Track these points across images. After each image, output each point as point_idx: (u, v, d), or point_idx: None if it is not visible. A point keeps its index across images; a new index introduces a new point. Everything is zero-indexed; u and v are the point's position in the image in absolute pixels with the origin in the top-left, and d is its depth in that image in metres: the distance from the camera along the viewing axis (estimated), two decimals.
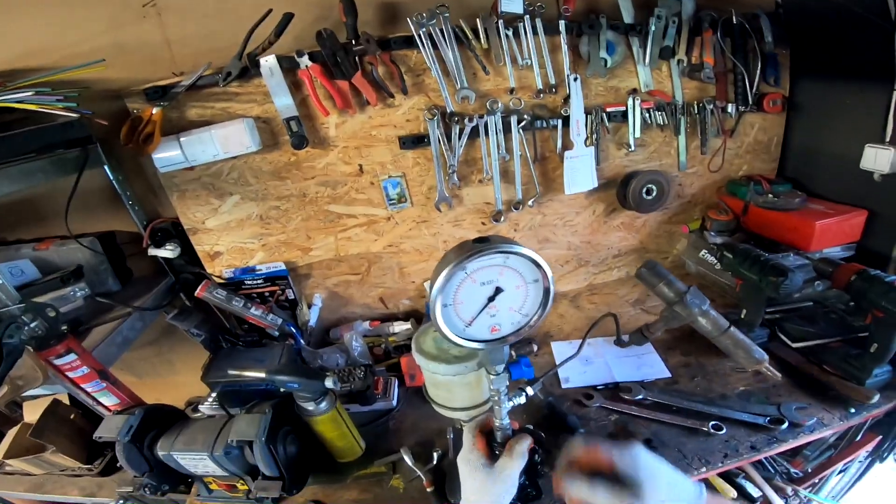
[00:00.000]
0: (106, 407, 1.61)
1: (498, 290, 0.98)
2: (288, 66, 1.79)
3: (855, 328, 1.89)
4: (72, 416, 1.89)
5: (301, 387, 1.49)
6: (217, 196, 2.01)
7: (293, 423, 1.56)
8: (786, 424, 1.64)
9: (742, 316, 2.00)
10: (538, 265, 0.95)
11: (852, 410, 1.70)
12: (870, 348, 1.70)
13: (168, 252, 1.99)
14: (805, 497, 2.42)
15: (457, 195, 2.20)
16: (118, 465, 1.79)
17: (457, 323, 0.99)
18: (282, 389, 1.51)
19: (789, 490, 2.32)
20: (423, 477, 1.56)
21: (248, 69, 1.76)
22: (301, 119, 1.87)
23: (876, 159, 1.94)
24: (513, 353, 2.08)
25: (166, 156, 1.80)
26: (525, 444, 1.08)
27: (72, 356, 1.44)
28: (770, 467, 2.45)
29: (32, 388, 1.40)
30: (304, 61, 1.76)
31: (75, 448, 1.85)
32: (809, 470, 2.43)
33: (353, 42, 1.78)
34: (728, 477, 2.30)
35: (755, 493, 2.25)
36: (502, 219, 2.25)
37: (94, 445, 1.76)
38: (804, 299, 2.15)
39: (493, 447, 1.15)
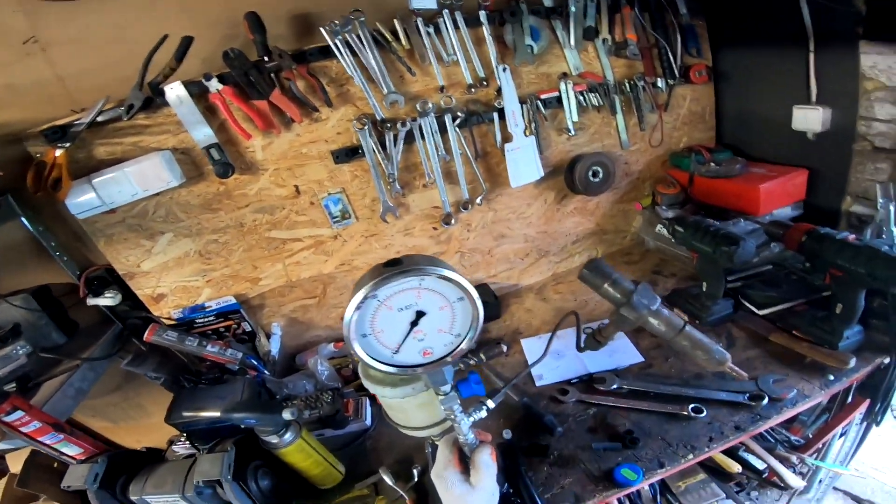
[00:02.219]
0: (71, 456, 1.50)
1: (420, 314, 0.88)
2: (197, 91, 1.63)
3: (818, 288, 1.82)
4: (54, 465, 1.72)
5: (259, 422, 1.43)
6: (147, 237, 1.83)
7: (264, 456, 1.49)
8: (766, 400, 1.55)
9: (704, 288, 1.92)
10: (457, 283, 0.84)
11: (831, 378, 1.62)
12: (835, 309, 1.63)
13: (108, 300, 1.83)
14: (812, 465, 2.35)
15: (402, 203, 2.08)
16: None
17: (381, 351, 0.90)
18: (241, 426, 1.44)
19: (794, 458, 2.24)
20: (405, 496, 1.47)
21: (153, 99, 1.60)
22: (222, 145, 1.72)
23: (806, 120, 1.94)
24: (461, 365, 1.97)
25: (81, 200, 1.62)
26: (484, 453, 1.00)
27: (19, 413, 1.36)
28: (769, 437, 2.36)
29: None
30: (214, 84, 1.62)
31: (66, 494, 1.70)
32: (810, 435, 2.34)
33: (266, 59, 1.65)
34: (729, 451, 2.23)
35: (759, 465, 2.18)
36: (453, 221, 2.13)
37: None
38: (763, 263, 2.07)
39: (467, 462, 1.06)
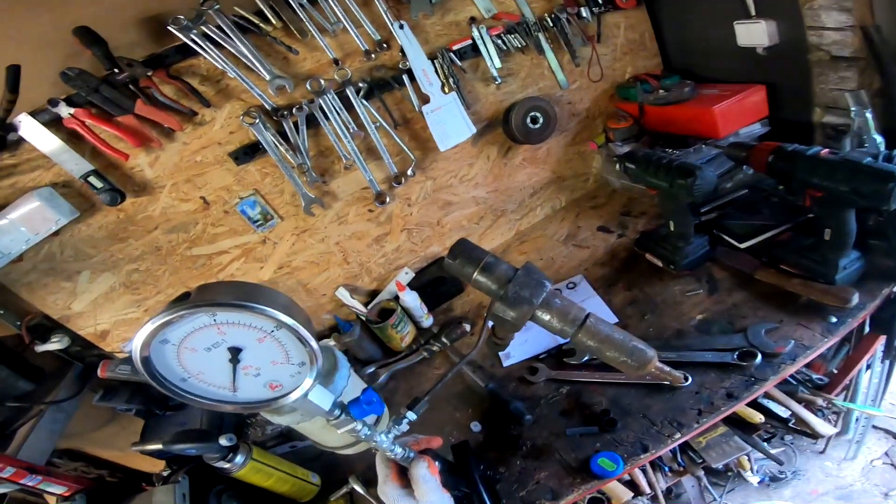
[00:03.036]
0: (57, 495, 1.55)
1: (236, 350, 0.76)
2: (49, 119, 1.49)
3: (802, 209, 1.60)
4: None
5: (199, 451, 1.40)
6: (65, 279, 1.73)
7: (228, 481, 1.48)
8: (759, 358, 1.36)
9: (671, 229, 1.73)
10: (261, 313, 0.72)
11: (833, 320, 1.41)
12: (824, 236, 1.43)
13: (56, 345, 1.76)
14: (843, 406, 2.23)
15: (327, 192, 1.93)
16: None
17: (217, 392, 0.80)
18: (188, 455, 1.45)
19: (820, 401, 2.09)
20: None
21: (4, 136, 1.46)
22: (102, 171, 1.57)
23: (750, 34, 1.79)
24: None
25: None
26: (421, 468, 0.94)
27: None
28: (790, 378, 2.19)
29: None
30: (63, 110, 1.47)
31: None
32: (834, 371, 2.17)
33: (115, 71, 1.48)
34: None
35: (783, 412, 2.03)
36: (388, 199, 1.98)
37: None
38: (738, 188, 1.87)
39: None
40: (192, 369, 0.76)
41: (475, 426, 1.35)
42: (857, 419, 2.37)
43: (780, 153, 1.41)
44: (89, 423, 1.96)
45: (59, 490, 1.53)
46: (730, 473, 2.38)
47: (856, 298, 1.38)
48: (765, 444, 2.27)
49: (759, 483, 2.35)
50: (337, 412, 0.89)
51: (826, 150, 1.35)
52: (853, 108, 1.55)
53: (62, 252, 1.69)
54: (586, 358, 1.57)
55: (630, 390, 1.45)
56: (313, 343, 0.76)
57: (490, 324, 1.14)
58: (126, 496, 1.52)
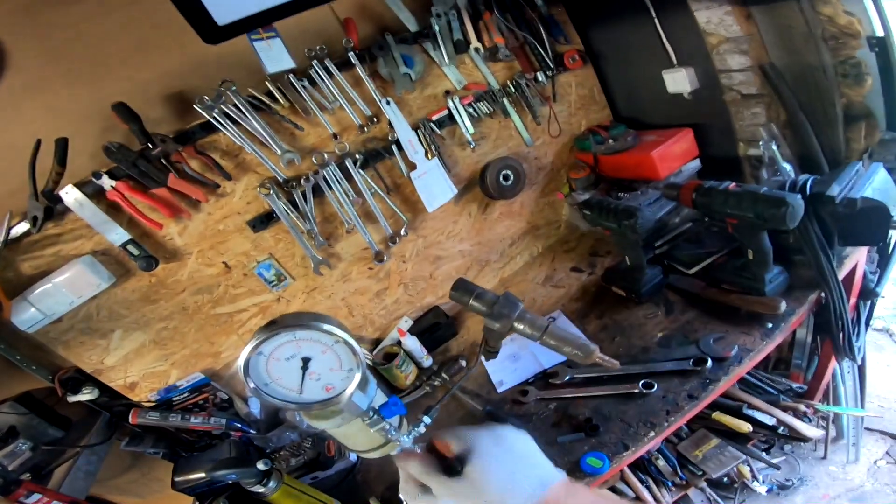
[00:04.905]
0: None
1: (306, 360, 0.93)
2: (93, 191, 1.62)
3: (733, 238, 1.79)
4: None
5: (239, 476, 1.55)
6: (100, 336, 1.82)
7: None
8: (709, 363, 1.55)
9: (628, 262, 1.93)
10: (325, 331, 0.90)
11: (769, 325, 1.61)
12: (748, 255, 1.63)
13: (87, 395, 1.83)
14: (827, 410, 2.34)
15: (332, 253, 2.09)
16: None
17: (287, 394, 0.95)
18: (229, 482, 1.58)
19: (802, 407, 2.22)
20: None
21: (52, 208, 1.57)
22: (138, 240, 1.72)
23: (675, 82, 1.99)
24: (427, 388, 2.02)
25: (24, 317, 1.60)
26: (409, 465, 0.97)
27: (36, 496, 1.46)
28: (770, 389, 2.34)
29: None
30: (106, 182, 1.61)
31: None
32: (811, 378, 2.32)
33: (150, 146, 1.64)
34: (733, 411, 2.21)
35: (768, 420, 2.15)
36: (385, 257, 2.15)
37: None
38: (684, 222, 2.07)
39: None
40: (273, 375, 0.92)
41: None
42: (847, 423, 2.46)
43: (700, 190, 1.62)
44: (109, 471, 1.98)
45: None
46: (735, 485, 2.44)
47: (783, 306, 1.58)
48: (762, 452, 2.38)
49: (767, 492, 2.40)
50: (371, 413, 1.03)
51: (733, 183, 1.56)
52: (762, 141, 1.74)
53: (98, 313, 1.79)
54: (568, 377, 1.73)
55: (608, 400, 1.62)
56: (360, 352, 0.93)
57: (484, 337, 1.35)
58: None
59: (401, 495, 1.02)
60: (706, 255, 1.89)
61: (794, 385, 2.33)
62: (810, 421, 2.25)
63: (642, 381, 1.57)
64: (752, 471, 2.38)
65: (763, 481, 2.41)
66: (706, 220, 1.83)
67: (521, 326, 1.27)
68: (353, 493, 1.74)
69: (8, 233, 1.54)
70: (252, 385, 0.89)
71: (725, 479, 2.36)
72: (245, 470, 1.55)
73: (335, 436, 1.32)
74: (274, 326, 0.87)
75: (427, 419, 1.15)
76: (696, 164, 2.09)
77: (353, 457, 1.87)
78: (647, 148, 2.05)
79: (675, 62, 1.94)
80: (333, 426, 1.20)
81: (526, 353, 1.94)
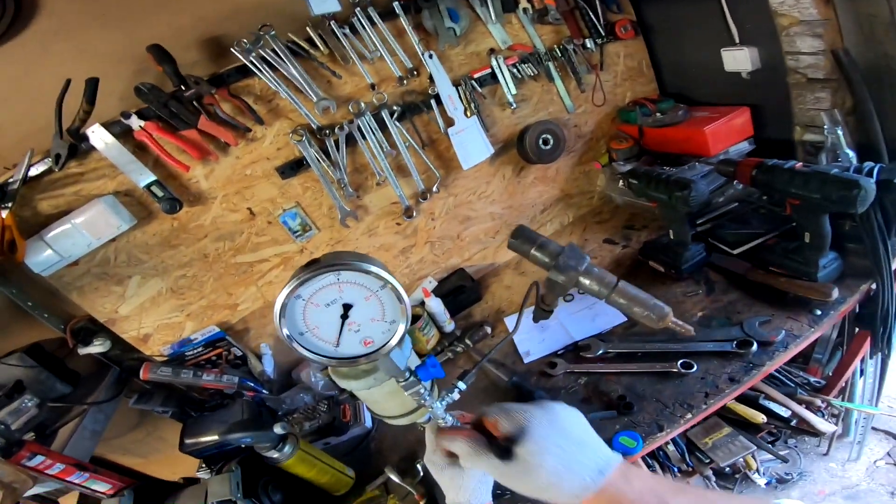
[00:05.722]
0: (102, 493, 1.54)
1: (347, 307, 0.84)
2: (120, 131, 1.56)
3: (785, 219, 1.73)
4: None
5: (254, 439, 1.46)
6: (116, 283, 1.77)
7: (273, 472, 1.51)
8: (755, 346, 1.48)
9: (671, 237, 1.87)
10: (372, 273, 0.82)
11: (818, 312, 1.54)
12: (804, 238, 1.56)
13: (98, 348, 1.79)
14: (841, 406, 2.29)
15: (360, 205, 2.02)
16: None
17: (323, 346, 0.87)
18: (242, 445, 1.50)
19: (818, 401, 2.18)
20: (413, 491, 1.46)
21: (77, 146, 1.53)
22: (163, 181, 1.65)
23: (735, 60, 1.91)
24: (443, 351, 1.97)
25: (39, 259, 1.56)
26: (455, 442, 0.92)
27: (40, 457, 1.39)
28: (789, 381, 2.31)
29: (28, 489, 1.38)
30: (135, 122, 1.55)
31: None
32: (830, 374, 2.27)
33: (183, 88, 1.58)
34: (750, 401, 2.18)
35: (784, 412, 2.13)
36: (414, 213, 2.09)
37: None
38: (729, 202, 2.01)
39: None
40: (310, 323, 0.84)
41: None
42: (856, 421, 2.44)
43: (762, 167, 1.54)
44: (113, 429, 1.94)
45: (104, 488, 1.53)
46: (737, 476, 2.42)
47: (835, 293, 1.51)
48: (769, 445, 2.37)
49: (766, 485, 2.40)
50: (407, 374, 0.97)
51: (800, 163, 1.48)
52: (826, 126, 1.67)
53: (116, 257, 1.74)
54: (601, 351, 1.66)
55: (643, 378, 1.55)
56: (407, 301, 0.85)
57: (538, 293, 1.26)
58: (171, 493, 1.53)
59: (426, 464, 0.98)
60: (753, 236, 1.82)
61: (812, 379, 2.31)
62: (823, 416, 2.23)
63: (681, 361, 1.51)
64: (756, 462, 2.37)
65: (763, 473, 2.41)
66: (763, 199, 1.75)
67: (587, 281, 1.18)
68: (366, 462, 1.69)
69: (28, 171, 1.49)
70: (286, 333, 0.81)
71: (728, 468, 2.34)
72: (261, 433, 1.47)
73: (363, 398, 1.25)
74: (316, 265, 0.79)
75: (462, 385, 1.06)
76: (746, 145, 2.02)
77: (368, 423, 1.81)
78: (700, 123, 1.98)
79: (737, 41, 1.87)
80: (364, 387, 1.11)
81: (554, 324, 1.88)
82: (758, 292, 1.69)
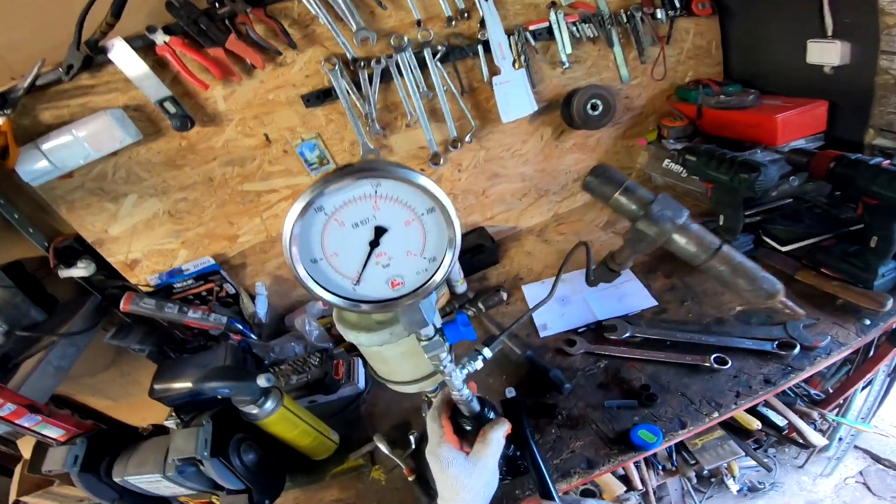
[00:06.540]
0: (53, 438, 1.40)
1: (380, 231, 0.69)
2: (142, 45, 1.45)
3: (845, 222, 1.64)
4: None
5: (233, 391, 1.29)
6: (111, 200, 1.67)
7: (249, 429, 1.35)
8: (797, 349, 1.38)
9: (721, 223, 1.75)
10: (424, 189, 0.65)
11: (867, 322, 1.43)
12: (869, 243, 1.45)
13: (81, 271, 1.68)
14: (834, 421, 2.28)
15: (385, 145, 1.90)
16: None
17: (339, 282, 0.71)
18: (218, 396, 1.36)
19: (814, 415, 2.16)
20: (402, 465, 1.35)
21: (92, 58, 1.42)
22: (178, 98, 1.54)
23: (822, 53, 1.78)
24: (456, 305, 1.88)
25: (32, 168, 1.47)
26: (501, 431, 0.91)
27: None
28: (789, 391, 2.29)
29: None
30: (160, 37, 1.44)
31: None
32: (830, 390, 2.25)
33: (216, 5, 1.47)
34: (749, 407, 2.09)
35: (780, 421, 2.10)
36: (441, 161, 1.96)
37: None
38: (782, 197, 1.90)
39: (463, 429, 0.96)
40: (329, 248, 0.68)
41: (510, 392, 1.28)
42: (840, 438, 2.43)
43: (844, 161, 1.43)
44: (84, 366, 1.87)
45: (57, 434, 1.41)
46: (713, 480, 2.43)
47: (890, 303, 1.41)
48: (755, 451, 2.35)
49: (738, 492, 2.41)
50: (432, 331, 0.83)
51: (888, 161, 1.38)
52: None
53: (114, 173, 1.64)
54: (627, 334, 1.57)
55: (669, 369, 1.46)
56: (458, 233, 0.70)
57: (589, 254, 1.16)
58: (128, 443, 1.37)
59: (428, 457, 0.91)
60: (807, 234, 1.72)
61: (813, 392, 2.30)
62: (815, 428, 2.21)
63: (714, 355, 1.40)
64: (737, 468, 2.35)
65: (737, 480, 2.40)
66: (833, 194, 1.65)
67: (682, 240, 1.04)
68: (353, 425, 1.59)
69: (35, 79, 1.39)
70: (296, 255, 0.66)
71: (708, 472, 2.33)
72: (242, 385, 1.29)
73: (368, 356, 1.08)
74: (350, 170, 0.63)
75: (488, 352, 0.97)
76: (812, 140, 1.91)
77: (361, 384, 1.70)
78: (771, 111, 1.85)
79: (829, 33, 1.74)
80: (375, 342, 0.95)
81: (577, 298, 1.79)
82: (804, 293, 1.58)
